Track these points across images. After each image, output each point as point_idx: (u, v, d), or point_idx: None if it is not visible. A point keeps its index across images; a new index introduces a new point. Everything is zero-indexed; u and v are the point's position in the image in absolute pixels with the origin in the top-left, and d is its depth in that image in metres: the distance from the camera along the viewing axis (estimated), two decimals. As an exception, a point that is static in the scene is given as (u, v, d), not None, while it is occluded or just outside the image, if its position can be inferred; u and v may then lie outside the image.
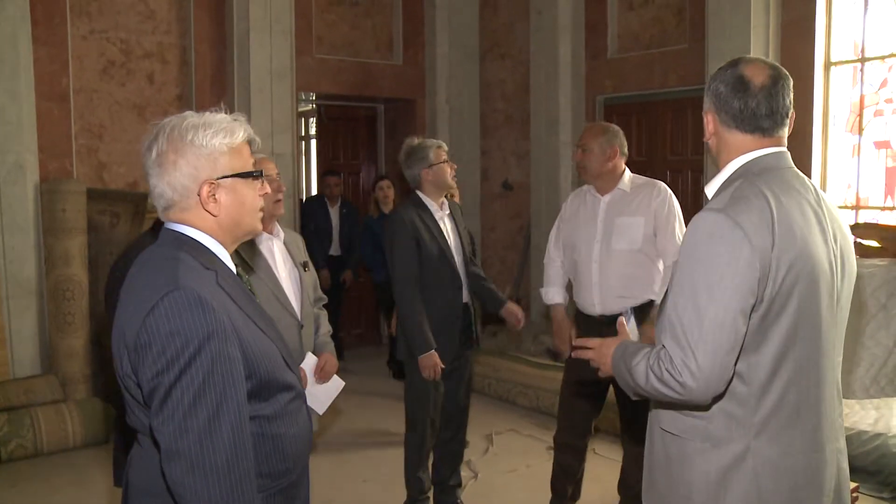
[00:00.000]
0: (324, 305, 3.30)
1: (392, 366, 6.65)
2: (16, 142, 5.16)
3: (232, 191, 1.67)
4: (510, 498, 4.20)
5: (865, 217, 5.36)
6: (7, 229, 5.16)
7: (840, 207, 4.54)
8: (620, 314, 3.32)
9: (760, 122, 1.78)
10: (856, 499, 3.51)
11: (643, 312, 3.30)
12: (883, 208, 5.39)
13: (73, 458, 4.74)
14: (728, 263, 1.63)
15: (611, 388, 3.47)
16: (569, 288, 3.69)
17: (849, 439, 2.50)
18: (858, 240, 4.64)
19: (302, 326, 2.86)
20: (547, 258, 3.76)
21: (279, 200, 2.88)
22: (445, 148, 3.77)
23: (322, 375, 3.05)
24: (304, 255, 3.06)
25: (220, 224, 1.68)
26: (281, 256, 2.89)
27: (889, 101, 5.37)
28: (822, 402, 1.78)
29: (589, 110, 6.89)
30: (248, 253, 2.72)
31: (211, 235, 1.69)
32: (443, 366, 3.60)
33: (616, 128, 3.47)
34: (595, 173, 3.44)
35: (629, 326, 2.19)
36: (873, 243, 4.46)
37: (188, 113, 1.70)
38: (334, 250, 6.84)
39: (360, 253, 6.62)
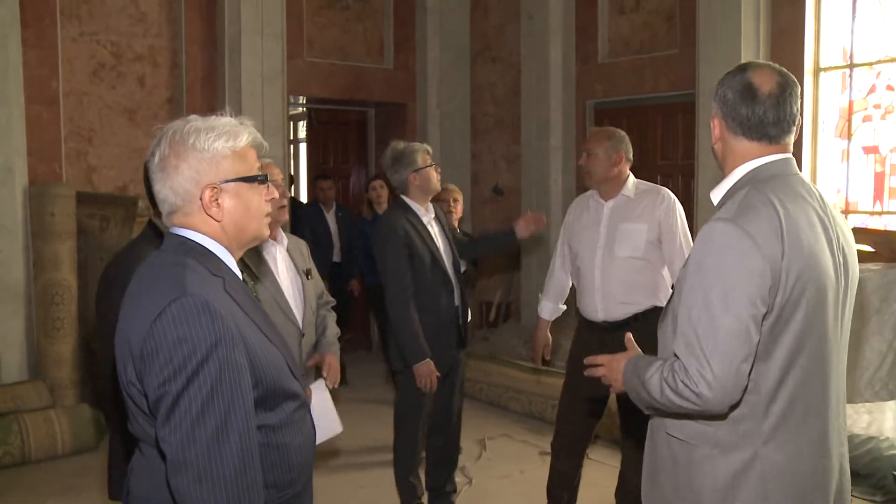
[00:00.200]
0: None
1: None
2: (4, 145, 5.10)
3: (236, 195, 1.65)
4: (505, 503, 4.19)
5: (854, 221, 5.41)
6: (-5, 233, 5.11)
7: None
8: (623, 320, 3.36)
9: (767, 130, 1.78)
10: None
11: (646, 319, 3.27)
12: (872, 213, 5.44)
13: (62, 465, 4.68)
14: (740, 273, 1.64)
15: (612, 395, 3.45)
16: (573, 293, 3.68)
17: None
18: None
19: (303, 335, 2.83)
20: (549, 268, 3.75)
21: (283, 206, 2.85)
22: (431, 151, 3.76)
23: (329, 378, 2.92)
24: (307, 262, 3.02)
25: (225, 229, 1.66)
26: (284, 263, 2.86)
27: (877, 106, 5.41)
28: (828, 408, 1.79)
29: (579, 115, 6.91)
30: (251, 259, 2.69)
31: (216, 241, 1.66)
32: (438, 374, 3.58)
33: (622, 133, 3.45)
34: (600, 178, 3.41)
35: None
36: (867, 248, 4.49)
37: (193, 117, 1.68)
38: (336, 256, 6.72)
39: (357, 256, 6.50)
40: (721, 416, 1.73)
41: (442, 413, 3.85)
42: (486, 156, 7.77)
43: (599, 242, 3.40)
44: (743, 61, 5.23)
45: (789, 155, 1.84)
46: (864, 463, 4.02)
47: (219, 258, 1.66)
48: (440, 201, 4.42)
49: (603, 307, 3.38)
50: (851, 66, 5.45)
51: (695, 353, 1.65)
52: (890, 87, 5.34)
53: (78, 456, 4.80)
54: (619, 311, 3.34)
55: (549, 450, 3.66)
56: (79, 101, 5.74)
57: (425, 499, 3.90)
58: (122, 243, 5.14)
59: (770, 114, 1.77)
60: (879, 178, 5.44)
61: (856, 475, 3.94)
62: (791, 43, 5.45)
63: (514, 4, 7.20)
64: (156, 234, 2.57)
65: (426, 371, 3.53)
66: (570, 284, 3.68)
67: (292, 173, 7.74)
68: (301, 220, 6.68)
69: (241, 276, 1.72)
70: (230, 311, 1.56)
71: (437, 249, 3.67)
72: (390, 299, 3.57)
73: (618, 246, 3.35)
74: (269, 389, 1.62)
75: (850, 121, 5.49)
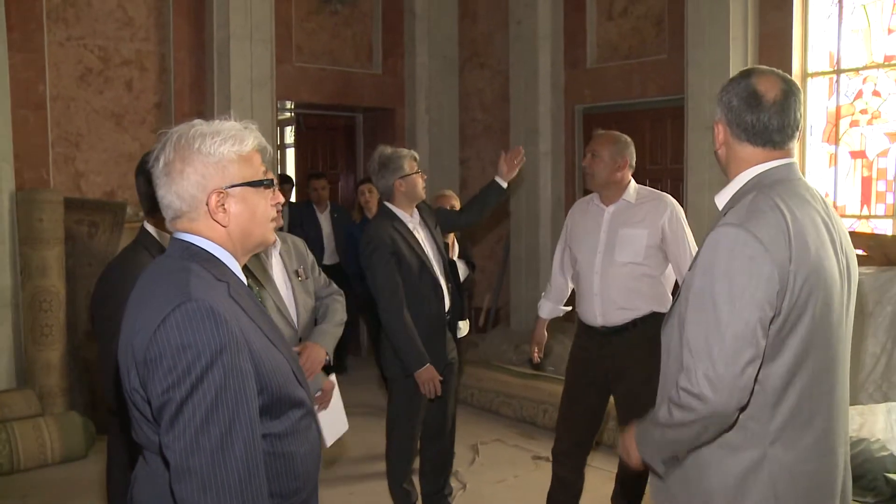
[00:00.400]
0: None
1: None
2: (-9, 150, 5.06)
3: (242, 200, 1.63)
4: (500, 508, 4.19)
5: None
6: (-18, 240, 5.05)
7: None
8: (622, 325, 3.34)
9: (772, 136, 1.80)
10: None
11: (645, 325, 3.27)
12: (859, 217, 5.49)
13: (52, 474, 4.62)
14: (749, 278, 1.65)
15: (611, 400, 3.45)
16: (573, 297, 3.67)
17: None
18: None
19: (301, 339, 2.81)
20: (552, 270, 3.75)
21: (279, 211, 2.83)
22: (418, 158, 3.76)
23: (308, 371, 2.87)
24: (307, 258, 3.00)
25: (231, 234, 1.64)
26: (278, 266, 2.85)
27: (864, 111, 5.48)
28: (833, 409, 1.81)
29: (568, 120, 6.93)
30: (254, 264, 2.67)
31: (221, 246, 1.64)
32: (441, 378, 3.56)
33: (628, 139, 3.45)
34: (602, 182, 3.40)
35: None
36: (859, 251, 4.53)
37: (197, 121, 1.65)
38: (328, 259, 6.53)
39: (346, 259, 6.34)
40: (731, 424, 1.74)
41: (437, 419, 3.83)
42: (474, 162, 7.78)
43: (599, 247, 3.38)
44: (731, 66, 5.34)
45: (793, 160, 1.85)
46: (856, 464, 4.03)
47: (224, 264, 1.64)
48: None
49: (602, 312, 3.36)
50: (838, 71, 5.51)
51: (701, 356, 1.67)
52: (877, 93, 5.40)
53: (68, 464, 4.74)
54: (619, 317, 3.32)
55: (543, 454, 3.62)
56: (66, 105, 5.68)
57: (420, 504, 3.89)
58: (111, 249, 5.11)
59: (774, 120, 1.79)
60: (867, 183, 5.49)
61: (848, 477, 3.96)
62: (779, 48, 5.50)
63: (502, 10, 7.22)
64: (150, 238, 2.56)
65: (428, 376, 3.50)
66: (570, 287, 3.67)
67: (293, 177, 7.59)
68: (292, 221, 6.52)
69: (246, 282, 1.71)
70: (235, 316, 1.54)
71: (426, 255, 3.66)
72: (384, 308, 3.54)
73: (618, 251, 3.32)
74: (275, 396, 1.60)
75: (837, 126, 5.55)
